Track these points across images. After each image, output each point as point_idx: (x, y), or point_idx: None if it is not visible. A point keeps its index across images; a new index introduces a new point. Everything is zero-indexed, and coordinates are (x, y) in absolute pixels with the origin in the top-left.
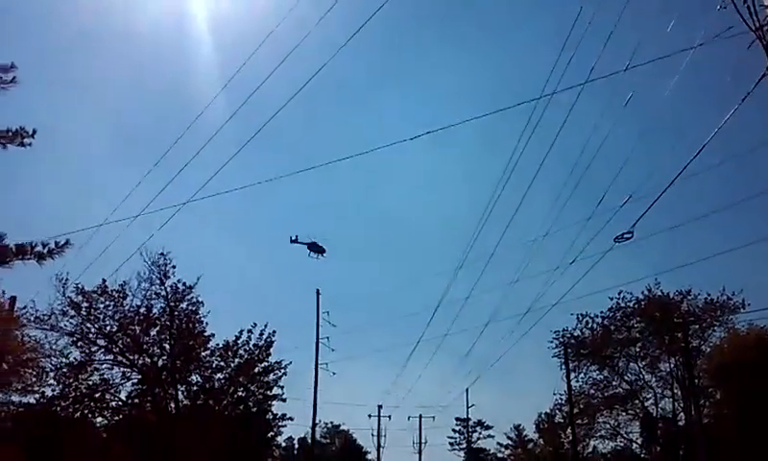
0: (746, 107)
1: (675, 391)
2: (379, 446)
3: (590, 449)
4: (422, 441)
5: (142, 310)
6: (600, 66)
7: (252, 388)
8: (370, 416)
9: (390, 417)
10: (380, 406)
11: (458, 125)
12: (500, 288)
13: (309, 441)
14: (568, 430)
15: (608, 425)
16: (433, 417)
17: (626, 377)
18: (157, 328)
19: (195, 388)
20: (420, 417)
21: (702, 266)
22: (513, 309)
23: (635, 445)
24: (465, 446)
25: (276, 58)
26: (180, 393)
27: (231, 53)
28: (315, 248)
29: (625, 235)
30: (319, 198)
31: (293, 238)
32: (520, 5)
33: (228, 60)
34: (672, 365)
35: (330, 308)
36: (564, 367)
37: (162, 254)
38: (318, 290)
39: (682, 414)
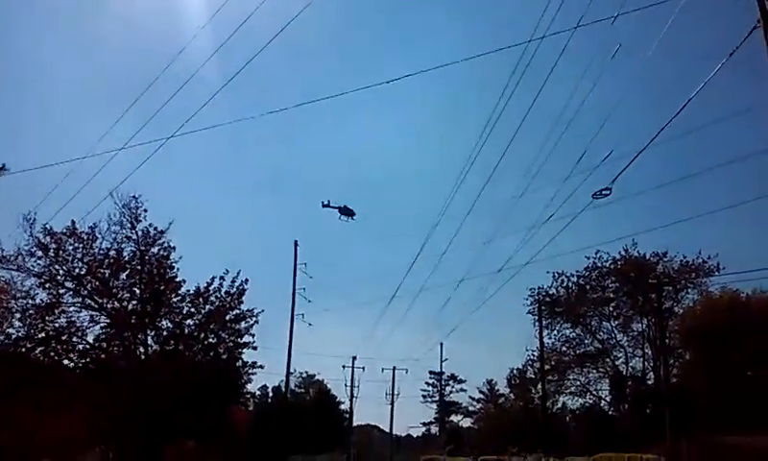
0: (738, 66)
1: (646, 351)
2: (352, 396)
3: (560, 405)
4: (395, 393)
5: (112, 253)
6: (590, 17)
7: (222, 335)
8: (344, 367)
9: (363, 368)
10: (354, 358)
11: (448, 66)
12: (478, 245)
13: (283, 390)
14: (539, 386)
15: (578, 383)
16: (406, 370)
17: (598, 336)
18: (127, 272)
19: (165, 333)
20: (394, 369)
21: (681, 228)
22: (490, 266)
23: (603, 402)
24: (437, 399)
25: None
26: (149, 338)
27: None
28: (346, 211)
29: (603, 192)
30: (302, 147)
31: (324, 203)
32: None
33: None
34: (644, 325)
35: (309, 261)
36: (537, 324)
37: (134, 197)
38: (296, 241)
39: (651, 374)
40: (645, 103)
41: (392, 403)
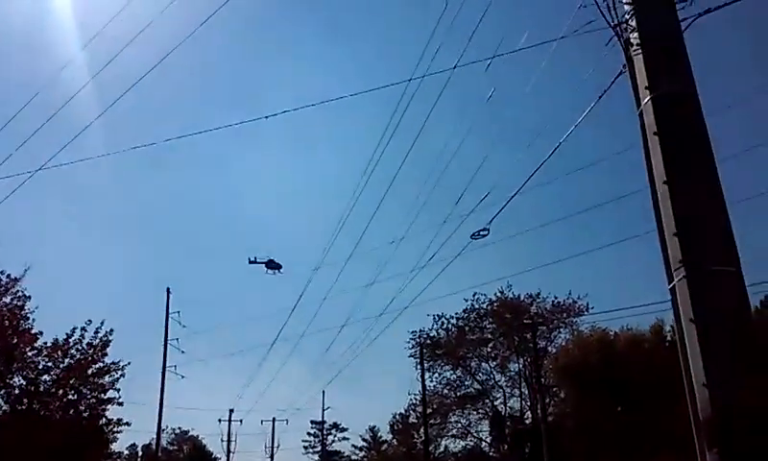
0: (612, 108)
1: (523, 390)
2: (229, 451)
3: (442, 449)
4: (275, 445)
5: None
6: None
7: (84, 391)
8: (220, 421)
9: (241, 422)
10: (231, 410)
11: (318, 105)
12: (358, 290)
13: (154, 447)
14: (422, 430)
15: (459, 425)
16: (286, 420)
17: (477, 377)
18: None
19: (17, 392)
20: (274, 420)
21: (552, 270)
22: (373, 310)
23: (484, 443)
24: (319, 448)
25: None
26: None
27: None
28: (272, 265)
29: (481, 233)
30: (174, 188)
31: (251, 259)
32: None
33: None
34: (521, 365)
35: (182, 309)
36: (419, 367)
37: None
38: (168, 288)
39: (528, 412)
40: (521, 145)
41: (271, 456)
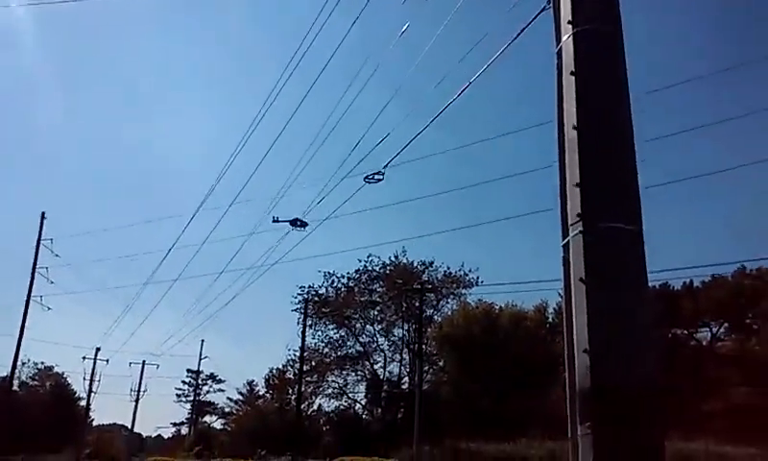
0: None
1: (404, 356)
2: (90, 391)
3: (316, 407)
4: (142, 389)
5: None
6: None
7: None
8: (84, 358)
9: (107, 361)
10: (98, 349)
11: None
12: (243, 236)
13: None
14: (297, 387)
15: (336, 384)
16: (157, 365)
17: (361, 339)
18: None
19: None
20: (144, 363)
21: (448, 240)
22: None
23: (358, 405)
24: (192, 398)
25: None
26: None
27: None
28: (298, 223)
29: (376, 176)
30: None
31: (275, 218)
32: None
33: None
34: (405, 331)
35: (57, 239)
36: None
37: None
38: (43, 213)
39: (406, 379)
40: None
41: (136, 400)
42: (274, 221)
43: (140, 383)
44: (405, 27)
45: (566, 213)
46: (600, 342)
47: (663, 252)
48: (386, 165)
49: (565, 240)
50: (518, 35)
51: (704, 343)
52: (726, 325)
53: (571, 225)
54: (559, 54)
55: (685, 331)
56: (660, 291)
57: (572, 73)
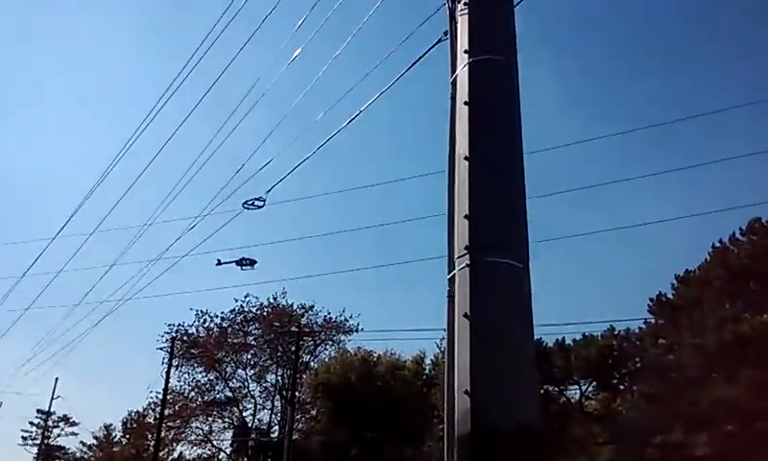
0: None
1: (275, 403)
2: None
3: (177, 455)
4: None
5: None
6: None
7: None
8: None
9: None
10: None
11: None
12: (100, 269)
13: None
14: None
15: (200, 431)
16: (0, 403)
17: (231, 384)
18: None
19: None
20: None
21: (331, 283)
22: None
23: (222, 454)
24: (39, 441)
25: None
26: None
27: None
28: (244, 262)
29: (256, 201)
30: None
31: (219, 261)
32: None
33: None
34: (278, 377)
35: None
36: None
37: None
38: None
39: (276, 427)
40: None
41: None
42: (218, 264)
43: None
44: (296, 53)
45: (453, 246)
46: (483, 382)
47: (537, 307)
48: (268, 191)
49: (451, 274)
50: (413, 65)
51: (572, 401)
52: (594, 383)
53: (458, 258)
54: (453, 83)
55: (556, 388)
56: (535, 347)
57: (466, 103)
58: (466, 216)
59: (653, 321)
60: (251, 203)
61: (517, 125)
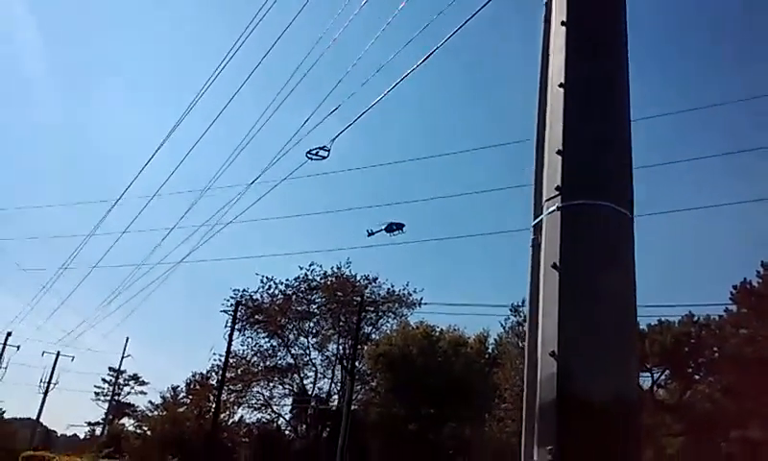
0: None
1: (336, 372)
2: None
3: (237, 418)
4: (53, 381)
5: None
6: None
7: None
8: None
9: (18, 348)
10: (9, 333)
11: None
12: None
13: None
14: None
15: (261, 396)
16: (72, 357)
17: (292, 351)
18: None
19: None
20: (58, 354)
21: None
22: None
23: (282, 419)
24: (110, 397)
25: None
26: None
27: None
28: (393, 228)
29: (320, 151)
30: None
31: (369, 231)
32: None
33: None
34: (340, 347)
35: None
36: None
37: None
38: None
39: (336, 397)
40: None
41: (45, 392)
42: (369, 234)
43: (51, 374)
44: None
45: (541, 187)
46: (572, 344)
47: None
48: (333, 140)
49: (538, 219)
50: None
51: (643, 388)
52: (667, 371)
53: (547, 200)
54: (548, 4)
55: None
56: None
57: (563, 23)
58: (558, 151)
59: (734, 309)
60: (315, 152)
61: (623, 47)
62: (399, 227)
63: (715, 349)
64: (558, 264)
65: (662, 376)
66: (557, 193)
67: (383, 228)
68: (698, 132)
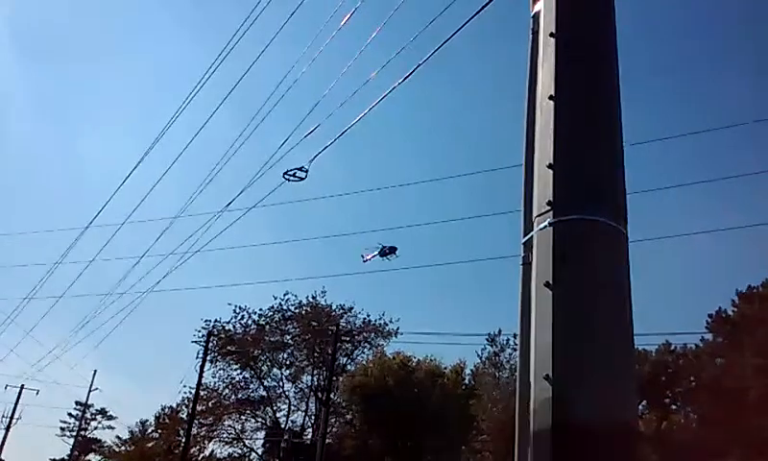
0: None
1: (310, 405)
2: None
3: (208, 453)
4: (16, 416)
5: None
6: None
7: None
8: None
9: None
10: None
11: None
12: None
13: None
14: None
15: (233, 429)
16: (37, 391)
17: (265, 383)
18: None
19: None
20: (22, 388)
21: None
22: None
23: (254, 454)
24: (76, 433)
25: None
26: None
27: None
28: (386, 252)
29: (297, 172)
30: None
31: (364, 258)
32: None
33: None
34: (314, 378)
35: None
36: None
37: None
38: None
39: (310, 430)
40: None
41: (7, 428)
42: (364, 261)
43: (14, 409)
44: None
45: (531, 203)
46: (567, 366)
47: None
48: (311, 160)
49: (528, 236)
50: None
51: None
52: (644, 402)
53: (537, 216)
54: (535, 16)
55: None
56: None
57: (551, 34)
58: (549, 165)
59: (710, 338)
60: (292, 172)
61: (614, 57)
62: (392, 250)
63: (692, 378)
64: (551, 282)
65: (639, 407)
66: (549, 208)
67: (377, 252)
68: (676, 155)
